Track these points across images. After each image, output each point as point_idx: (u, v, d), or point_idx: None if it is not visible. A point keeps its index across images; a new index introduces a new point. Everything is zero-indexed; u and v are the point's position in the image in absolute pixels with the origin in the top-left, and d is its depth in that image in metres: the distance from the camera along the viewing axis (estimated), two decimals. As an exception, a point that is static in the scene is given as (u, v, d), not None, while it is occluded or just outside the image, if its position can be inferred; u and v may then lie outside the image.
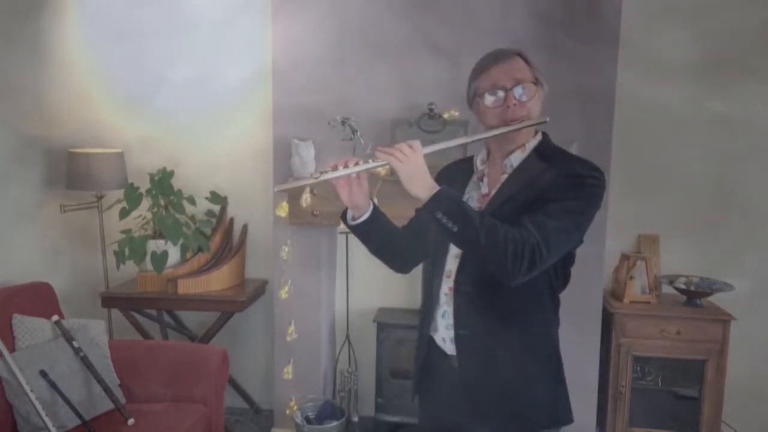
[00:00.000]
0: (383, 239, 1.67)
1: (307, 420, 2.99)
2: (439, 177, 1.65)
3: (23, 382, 2.26)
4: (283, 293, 3.01)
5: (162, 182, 3.11)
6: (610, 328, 2.94)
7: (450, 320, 1.55)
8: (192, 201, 3.19)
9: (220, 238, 3.31)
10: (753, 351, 3.16)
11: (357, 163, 1.47)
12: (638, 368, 3.02)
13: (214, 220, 3.32)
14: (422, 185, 1.39)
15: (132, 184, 3.14)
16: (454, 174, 1.67)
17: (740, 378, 3.10)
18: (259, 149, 3.24)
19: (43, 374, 2.34)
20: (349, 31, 2.89)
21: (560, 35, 2.76)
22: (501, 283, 1.40)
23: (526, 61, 1.52)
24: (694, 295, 2.97)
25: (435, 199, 1.37)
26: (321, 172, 1.47)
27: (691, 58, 3.07)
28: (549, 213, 1.39)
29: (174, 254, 3.12)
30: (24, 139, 3.13)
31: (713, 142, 3.12)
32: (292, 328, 3.01)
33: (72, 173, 3.12)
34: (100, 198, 3.27)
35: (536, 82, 1.50)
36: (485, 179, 1.59)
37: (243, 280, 3.32)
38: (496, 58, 1.51)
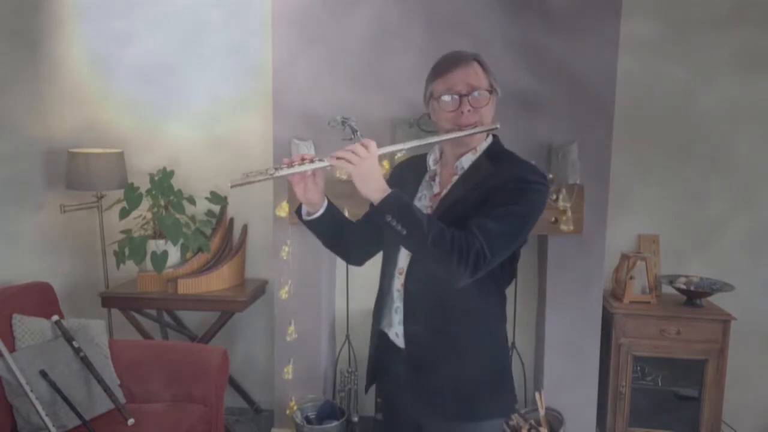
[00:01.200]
0: (336, 234, 1.71)
1: (307, 420, 2.99)
2: (393, 174, 1.74)
3: (23, 382, 2.26)
4: (283, 293, 3.01)
5: (162, 182, 3.11)
6: (610, 328, 2.94)
7: (401, 316, 1.61)
8: (192, 201, 3.19)
9: (220, 238, 3.31)
10: (753, 351, 3.17)
11: (312, 161, 1.49)
12: (638, 368, 3.03)
13: (214, 220, 3.32)
14: (374, 187, 1.43)
15: (132, 184, 3.14)
16: (407, 172, 1.72)
17: (740, 378, 3.10)
18: (259, 149, 3.24)
19: (43, 374, 2.34)
20: (349, 31, 2.89)
21: (559, 38, 2.76)
22: (447, 280, 1.45)
23: (482, 67, 1.56)
24: (694, 295, 2.98)
25: (385, 202, 1.42)
26: (276, 168, 1.48)
27: (690, 57, 3.08)
28: (494, 217, 1.44)
29: (174, 254, 3.12)
30: (24, 139, 3.13)
31: (713, 142, 3.12)
32: (292, 328, 3.01)
33: (72, 173, 3.12)
34: (100, 198, 3.27)
35: (491, 89, 1.54)
36: (437, 179, 1.64)
37: (243, 280, 3.32)
38: (453, 62, 1.55)
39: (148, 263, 3.06)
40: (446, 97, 1.53)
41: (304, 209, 1.65)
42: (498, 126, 1.55)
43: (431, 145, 1.60)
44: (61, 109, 3.36)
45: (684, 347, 2.90)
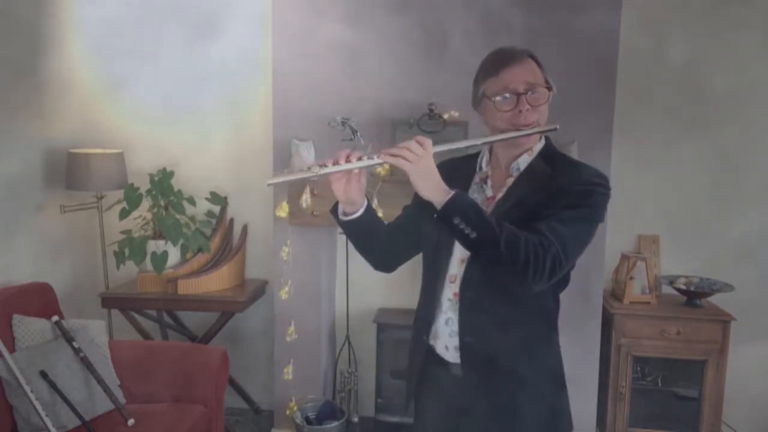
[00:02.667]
0: (370, 237, 1.62)
1: (307, 420, 2.98)
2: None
3: (23, 382, 2.26)
4: (283, 293, 3.01)
5: (162, 182, 3.11)
6: (610, 328, 2.94)
7: (454, 327, 1.51)
8: (192, 201, 3.19)
9: (220, 238, 3.30)
10: (753, 351, 3.17)
11: (360, 158, 1.41)
12: (638, 368, 3.03)
13: (214, 221, 3.32)
14: (434, 187, 1.35)
15: (132, 184, 3.14)
16: (454, 173, 1.58)
17: (740, 378, 3.10)
18: (259, 149, 3.24)
19: (43, 374, 2.34)
20: (348, 32, 2.89)
21: (560, 33, 2.76)
22: (506, 287, 1.38)
23: (537, 63, 1.47)
24: (694, 295, 2.98)
25: (452, 203, 1.33)
26: (320, 166, 1.40)
27: (691, 56, 3.08)
28: (563, 220, 1.37)
29: (174, 255, 3.12)
30: (24, 139, 3.13)
31: (713, 141, 3.12)
32: (292, 328, 3.01)
33: (72, 173, 3.12)
34: (100, 198, 3.26)
35: (548, 86, 1.46)
36: (489, 181, 1.55)
37: (243, 281, 3.32)
38: (507, 59, 1.45)
39: (148, 264, 3.06)
40: (501, 97, 1.43)
41: (341, 208, 1.55)
42: (557, 126, 1.47)
43: (481, 146, 1.53)
44: (61, 109, 3.36)
45: (684, 347, 2.90)
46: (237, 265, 3.26)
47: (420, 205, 1.44)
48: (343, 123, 2.77)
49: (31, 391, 2.25)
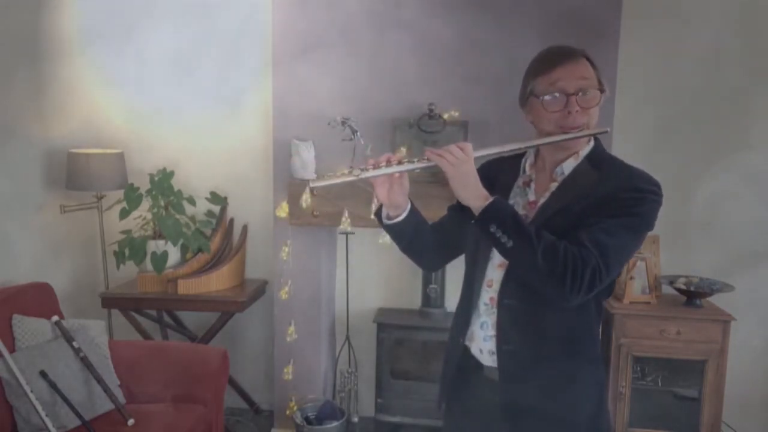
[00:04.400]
0: (416, 238, 1.58)
1: (307, 420, 2.99)
2: (479, 174, 1.45)
3: (23, 382, 2.26)
4: (283, 293, 3.01)
5: (162, 183, 3.11)
6: (610, 328, 2.94)
7: (489, 332, 1.48)
8: (192, 201, 3.19)
9: (220, 238, 3.30)
10: (753, 351, 3.17)
11: (400, 162, 1.39)
12: (638, 368, 3.02)
13: (214, 221, 3.32)
14: (474, 192, 1.32)
15: (132, 184, 3.14)
16: (496, 174, 1.55)
17: (740, 378, 3.10)
18: (259, 149, 3.24)
19: (43, 375, 2.34)
20: (349, 32, 2.89)
21: (562, 28, 2.76)
22: (545, 295, 1.34)
23: (591, 63, 1.41)
24: (694, 295, 2.97)
25: (489, 210, 1.30)
26: (362, 170, 1.39)
27: (690, 56, 3.08)
28: (608, 230, 1.31)
29: (174, 255, 3.12)
30: (24, 139, 3.13)
31: (713, 141, 3.12)
32: (292, 328, 3.01)
33: (72, 173, 3.12)
34: (100, 198, 3.26)
35: (601, 88, 1.40)
36: (532, 185, 1.49)
37: (243, 281, 3.32)
38: (560, 57, 1.39)
39: (148, 264, 3.06)
40: (550, 97, 1.37)
41: (385, 212, 1.52)
42: (608, 130, 1.41)
43: (525, 149, 1.47)
44: (61, 109, 3.36)
45: (684, 347, 2.90)
46: (237, 265, 3.26)
47: (461, 207, 1.40)
48: (343, 123, 2.77)
49: (31, 391, 2.25)
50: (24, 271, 2.99)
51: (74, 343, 2.49)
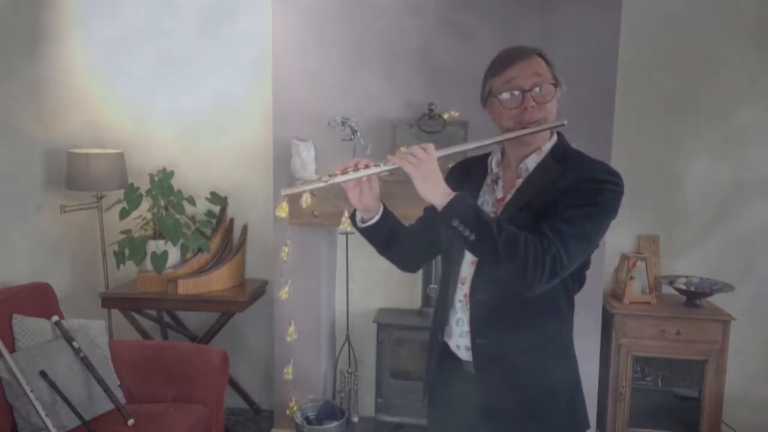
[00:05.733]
0: (392, 240, 1.61)
1: (307, 420, 2.99)
2: (448, 177, 1.55)
3: (23, 382, 2.26)
4: (283, 294, 3.01)
5: (162, 182, 3.11)
6: (610, 328, 2.95)
7: (464, 327, 1.52)
8: (192, 201, 3.19)
9: (220, 238, 3.31)
10: (753, 351, 3.17)
11: (367, 166, 1.43)
12: (638, 368, 3.03)
13: (214, 221, 3.32)
14: (436, 190, 1.35)
15: (132, 184, 3.14)
16: (465, 174, 1.61)
17: (740, 378, 3.10)
18: (259, 150, 3.24)
19: (43, 375, 2.34)
20: (349, 32, 2.89)
21: (561, 40, 2.76)
22: (515, 289, 1.37)
23: (545, 60, 1.46)
24: (694, 295, 2.98)
25: (451, 206, 1.33)
26: (330, 176, 1.43)
27: (691, 55, 3.08)
28: (568, 220, 1.35)
29: (174, 255, 3.12)
30: (24, 139, 3.13)
31: (713, 141, 3.12)
32: (292, 328, 3.01)
33: (72, 173, 3.12)
34: (100, 198, 3.26)
35: (555, 83, 1.45)
36: (500, 182, 1.54)
37: (243, 281, 3.32)
38: (514, 56, 1.45)
39: (148, 263, 3.06)
40: (507, 94, 1.43)
41: (359, 215, 1.57)
42: (565, 122, 1.44)
43: (489, 146, 1.50)
44: (61, 109, 3.36)
45: (684, 347, 2.90)
46: (237, 265, 3.26)
47: (433, 207, 1.43)
48: (343, 123, 2.77)
49: (31, 391, 2.25)
50: (24, 271, 2.99)
51: (74, 343, 2.49)
